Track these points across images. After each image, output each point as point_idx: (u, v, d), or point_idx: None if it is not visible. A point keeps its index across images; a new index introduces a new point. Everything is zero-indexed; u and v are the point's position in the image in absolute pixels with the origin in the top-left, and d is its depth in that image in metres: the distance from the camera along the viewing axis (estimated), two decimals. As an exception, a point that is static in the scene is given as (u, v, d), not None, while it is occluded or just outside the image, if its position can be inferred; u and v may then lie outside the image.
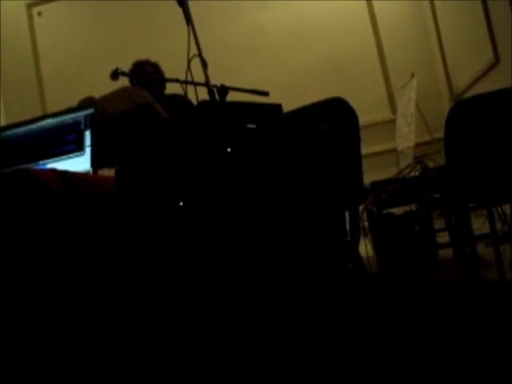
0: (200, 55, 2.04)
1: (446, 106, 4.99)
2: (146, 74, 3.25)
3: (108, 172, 2.02)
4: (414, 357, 1.47)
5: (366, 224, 3.21)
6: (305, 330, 1.63)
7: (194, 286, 1.71)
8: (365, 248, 3.06)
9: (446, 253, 3.11)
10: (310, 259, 1.78)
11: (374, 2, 5.49)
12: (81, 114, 2.11)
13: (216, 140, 1.86)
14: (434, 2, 5.17)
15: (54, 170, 1.73)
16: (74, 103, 2.39)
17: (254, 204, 1.80)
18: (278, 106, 2.03)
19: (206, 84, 2.04)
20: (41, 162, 2.06)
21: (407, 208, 3.07)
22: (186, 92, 2.32)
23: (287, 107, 2.06)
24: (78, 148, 2.06)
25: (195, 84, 2.18)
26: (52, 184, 1.61)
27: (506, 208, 2.64)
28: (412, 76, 4.13)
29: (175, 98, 2.93)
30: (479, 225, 2.87)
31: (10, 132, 2.20)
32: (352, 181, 1.99)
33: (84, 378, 1.53)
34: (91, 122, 2.07)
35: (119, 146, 2.03)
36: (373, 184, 2.94)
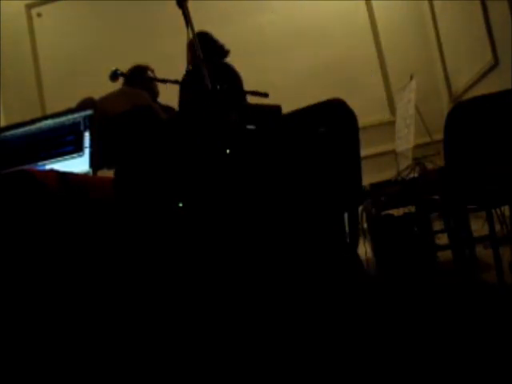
0: (199, 56, 2.03)
1: (445, 108, 4.99)
2: (147, 78, 3.20)
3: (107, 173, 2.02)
4: (412, 358, 1.47)
5: (365, 226, 3.21)
6: (304, 330, 1.63)
7: (194, 287, 1.70)
8: (364, 250, 3.06)
9: (445, 255, 3.11)
10: (309, 261, 1.78)
11: (374, 4, 5.50)
12: (80, 115, 2.11)
13: (215, 141, 1.86)
14: (433, 3, 5.18)
15: (53, 171, 1.73)
16: (73, 104, 2.39)
17: (253, 205, 1.79)
18: (278, 108, 2.03)
19: (205, 85, 2.03)
20: (40, 163, 2.06)
21: (406, 210, 3.06)
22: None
23: (286, 108, 2.06)
24: (77, 149, 2.06)
25: (194, 86, 2.18)
26: (51, 185, 1.61)
27: (505, 210, 2.64)
28: (411, 78, 4.13)
29: (166, 109, 2.93)
30: (478, 227, 2.87)
31: (9, 133, 2.20)
32: (351, 182, 1.99)
33: (84, 378, 1.53)
34: (90, 123, 2.07)
35: (118, 147, 2.03)
36: (372, 185, 2.94)
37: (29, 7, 5.88)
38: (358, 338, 1.61)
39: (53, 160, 2.06)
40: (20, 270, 1.56)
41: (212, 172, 1.82)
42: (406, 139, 3.96)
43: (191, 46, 3.13)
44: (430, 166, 3.03)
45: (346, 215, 2.03)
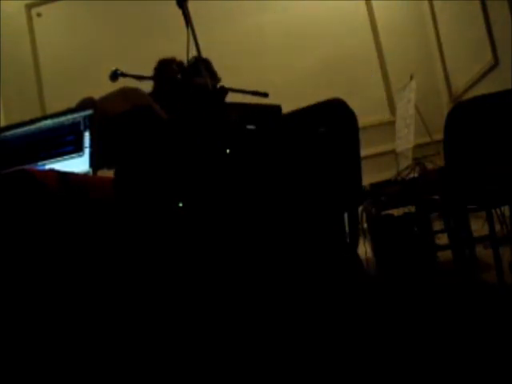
0: (199, 56, 2.03)
1: (445, 108, 4.99)
2: (171, 73, 3.13)
3: (107, 173, 2.02)
4: (413, 359, 1.47)
5: (365, 225, 3.21)
6: (304, 331, 1.63)
7: (194, 287, 1.70)
8: (364, 249, 3.06)
9: (445, 255, 3.11)
10: (309, 261, 1.78)
11: (374, 4, 5.50)
12: (80, 115, 2.11)
13: (215, 141, 1.86)
14: (433, 3, 5.18)
15: (52, 171, 1.73)
16: (73, 104, 2.39)
17: (253, 205, 1.79)
18: (278, 108, 2.03)
19: (205, 85, 2.04)
20: (40, 163, 2.06)
21: (406, 209, 3.06)
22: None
23: (286, 108, 2.06)
24: (77, 149, 2.06)
25: (195, 85, 2.18)
26: (51, 185, 1.61)
27: (505, 210, 2.64)
28: (411, 78, 4.13)
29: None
30: (478, 227, 2.87)
31: (9, 132, 2.20)
32: (351, 182, 1.99)
33: (84, 378, 1.53)
34: (90, 123, 2.07)
35: (118, 147, 2.02)
36: (372, 185, 2.94)
37: (29, 7, 5.88)
38: (358, 337, 1.61)
39: (53, 160, 2.06)
40: (20, 270, 1.56)
41: (212, 172, 1.82)
42: (406, 139, 3.96)
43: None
44: (430, 165, 3.03)
45: (346, 215, 2.03)
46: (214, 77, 3.07)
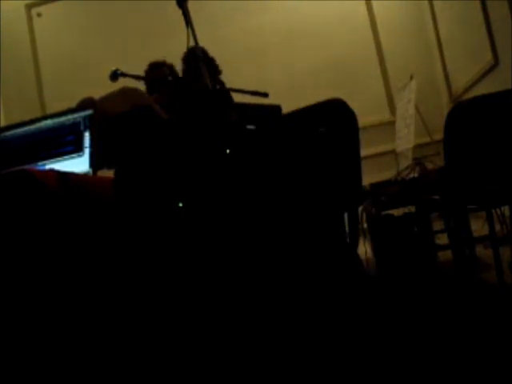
0: (199, 57, 2.03)
1: (445, 108, 4.99)
2: (161, 76, 3.16)
3: (107, 173, 2.02)
4: (412, 359, 1.47)
5: (365, 225, 3.21)
6: (304, 331, 1.63)
7: (194, 287, 1.70)
8: (364, 249, 3.06)
9: (445, 255, 3.11)
10: (309, 261, 1.78)
11: (374, 4, 5.50)
12: (80, 115, 2.11)
13: (215, 141, 1.86)
14: (433, 3, 5.18)
15: (53, 171, 1.73)
16: (73, 104, 2.39)
17: (253, 205, 1.79)
18: (278, 108, 2.03)
19: (205, 85, 2.03)
20: (40, 163, 2.06)
21: (406, 210, 3.06)
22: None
23: (287, 108, 2.06)
24: (77, 149, 2.06)
25: (196, 85, 2.17)
26: (51, 185, 1.61)
27: (505, 210, 2.64)
28: (411, 78, 4.13)
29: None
30: (478, 227, 2.87)
31: (9, 132, 2.20)
32: (351, 182, 1.99)
33: (84, 378, 1.53)
34: (90, 123, 2.07)
35: (118, 147, 2.03)
36: (372, 185, 2.94)
37: (29, 7, 5.88)
38: (358, 337, 1.61)
39: (53, 160, 2.06)
40: (20, 270, 1.57)
41: (212, 172, 1.82)
42: (406, 139, 3.96)
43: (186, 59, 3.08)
44: (430, 165, 3.03)
45: (346, 215, 2.03)
46: (215, 70, 3.08)
